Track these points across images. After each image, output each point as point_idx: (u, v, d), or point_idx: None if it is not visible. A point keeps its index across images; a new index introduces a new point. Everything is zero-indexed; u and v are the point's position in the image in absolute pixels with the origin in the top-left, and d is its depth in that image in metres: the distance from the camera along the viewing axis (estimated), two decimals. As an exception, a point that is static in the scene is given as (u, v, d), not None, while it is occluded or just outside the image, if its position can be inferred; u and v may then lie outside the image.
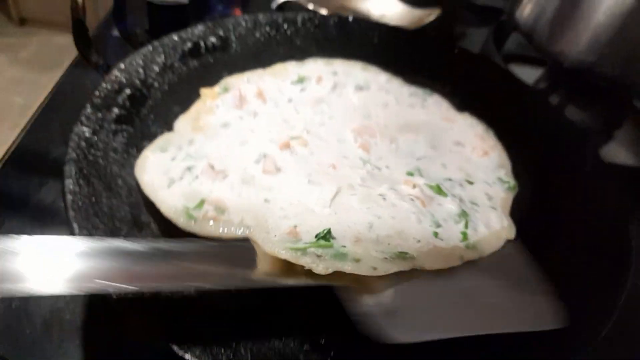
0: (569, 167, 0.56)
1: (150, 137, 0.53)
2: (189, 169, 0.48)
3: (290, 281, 0.39)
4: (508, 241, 0.48)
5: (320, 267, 0.38)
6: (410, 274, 0.42)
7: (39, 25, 2.52)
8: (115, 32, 0.82)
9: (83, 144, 0.48)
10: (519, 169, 0.58)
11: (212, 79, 0.61)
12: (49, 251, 0.31)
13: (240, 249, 0.40)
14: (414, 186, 0.48)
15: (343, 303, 0.40)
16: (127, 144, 0.51)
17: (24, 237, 0.31)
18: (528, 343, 0.41)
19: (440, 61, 0.69)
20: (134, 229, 0.45)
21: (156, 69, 0.58)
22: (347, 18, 0.71)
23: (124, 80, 0.54)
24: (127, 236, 0.44)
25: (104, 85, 0.53)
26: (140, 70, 0.56)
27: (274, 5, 0.95)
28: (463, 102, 0.65)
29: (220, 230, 0.43)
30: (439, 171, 0.53)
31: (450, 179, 0.52)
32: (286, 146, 0.50)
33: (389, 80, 0.64)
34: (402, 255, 0.41)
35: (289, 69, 0.63)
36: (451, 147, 0.57)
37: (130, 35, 0.75)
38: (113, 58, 0.74)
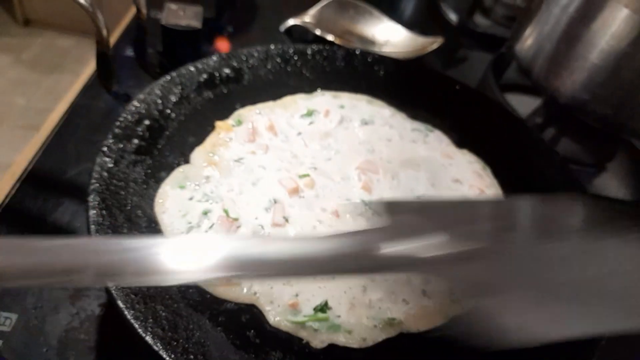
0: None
1: (167, 168, 0.56)
2: (206, 213, 0.51)
3: None
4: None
5: (317, 342, 0.44)
6: None
7: (43, 27, 2.54)
8: (127, 52, 0.85)
9: (105, 174, 0.50)
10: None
11: (225, 110, 0.63)
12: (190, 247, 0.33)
13: None
14: None
15: None
16: (146, 174, 0.53)
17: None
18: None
19: (441, 97, 0.72)
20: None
21: (173, 99, 0.61)
22: (354, 51, 0.75)
23: (143, 111, 0.57)
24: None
25: (124, 116, 0.56)
26: (159, 101, 0.59)
27: (282, 29, 0.98)
28: (462, 138, 0.68)
29: (231, 295, 0.46)
30: (438, 211, 0.56)
31: None
32: (295, 192, 0.53)
33: (393, 115, 0.68)
34: (391, 322, 0.46)
35: (298, 102, 0.66)
36: (450, 184, 0.60)
37: (145, 57, 0.78)
38: (125, 77, 0.77)
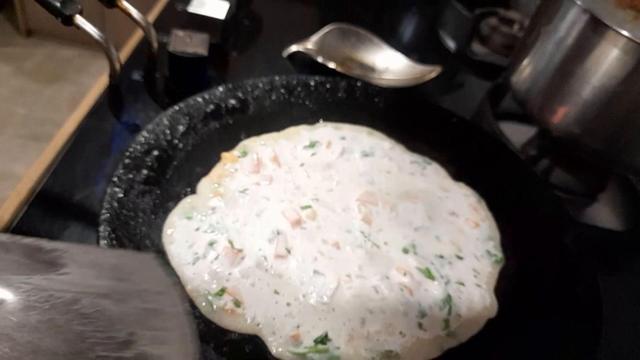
0: (550, 241, 0.62)
1: (175, 198, 0.57)
2: (212, 244, 0.53)
3: None
4: (489, 320, 0.54)
5: None
6: None
7: (45, 37, 2.56)
8: (134, 76, 0.87)
9: (115, 204, 0.52)
10: (506, 239, 0.63)
11: (230, 140, 0.66)
12: None
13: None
14: (405, 274, 0.53)
15: None
16: (154, 204, 0.55)
17: None
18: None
19: (439, 129, 0.74)
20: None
21: (181, 129, 0.63)
22: (356, 82, 0.77)
23: (152, 142, 0.59)
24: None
25: (134, 146, 0.58)
26: (167, 132, 0.61)
27: (285, 55, 1.01)
28: (459, 170, 0.71)
29: (235, 326, 0.48)
30: (432, 245, 0.58)
31: (441, 256, 0.58)
32: (297, 223, 0.55)
33: (392, 147, 0.70)
34: (388, 354, 0.48)
35: (301, 133, 0.68)
36: (446, 217, 0.62)
37: (153, 85, 0.80)
38: (131, 100, 0.79)
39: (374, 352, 0.48)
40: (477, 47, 1.20)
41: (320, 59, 0.97)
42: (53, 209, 0.65)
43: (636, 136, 0.71)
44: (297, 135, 0.68)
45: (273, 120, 0.70)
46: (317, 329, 0.48)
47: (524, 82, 0.83)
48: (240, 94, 0.69)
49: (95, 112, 0.79)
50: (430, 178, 0.67)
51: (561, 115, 0.76)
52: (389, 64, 1.04)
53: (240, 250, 0.53)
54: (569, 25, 0.72)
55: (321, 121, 0.72)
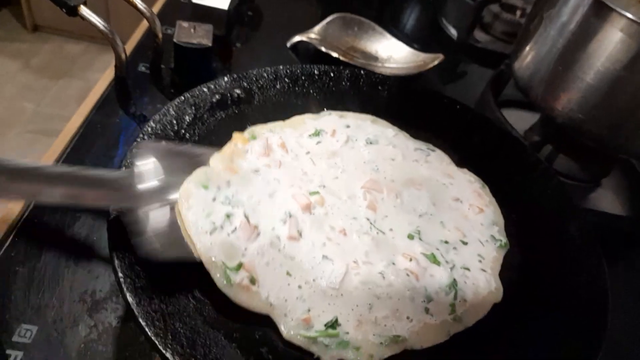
0: (553, 228, 0.63)
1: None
2: (228, 216, 0.53)
3: None
4: (495, 304, 0.54)
5: (327, 357, 0.47)
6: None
7: (51, 33, 2.58)
8: (140, 68, 0.88)
9: (125, 194, 0.53)
10: (510, 226, 0.64)
11: (236, 130, 0.66)
12: None
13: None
14: (411, 259, 0.54)
15: None
16: (162, 194, 0.56)
17: None
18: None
19: (442, 116, 0.75)
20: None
21: (187, 120, 0.63)
22: (359, 71, 0.78)
23: (159, 132, 0.60)
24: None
25: (141, 136, 0.59)
26: (174, 122, 0.62)
27: (288, 44, 1.01)
28: (462, 157, 0.71)
29: (249, 303, 0.49)
30: (437, 231, 0.59)
31: (446, 242, 0.58)
32: (307, 208, 0.56)
33: (396, 135, 0.70)
34: (395, 339, 0.48)
35: (306, 122, 0.69)
36: (450, 203, 0.63)
37: (159, 76, 0.81)
38: (137, 92, 0.80)
39: (382, 337, 0.48)
40: (479, 35, 1.20)
41: (323, 49, 0.98)
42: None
43: (640, 120, 0.71)
44: (302, 124, 0.68)
45: (278, 110, 0.70)
46: (327, 314, 0.49)
47: (527, 68, 0.83)
48: (245, 84, 0.70)
49: (102, 106, 0.80)
50: (434, 165, 0.68)
51: (564, 101, 0.76)
52: (392, 52, 1.05)
53: (256, 227, 0.53)
54: (572, 9, 0.72)
55: (325, 110, 0.73)
